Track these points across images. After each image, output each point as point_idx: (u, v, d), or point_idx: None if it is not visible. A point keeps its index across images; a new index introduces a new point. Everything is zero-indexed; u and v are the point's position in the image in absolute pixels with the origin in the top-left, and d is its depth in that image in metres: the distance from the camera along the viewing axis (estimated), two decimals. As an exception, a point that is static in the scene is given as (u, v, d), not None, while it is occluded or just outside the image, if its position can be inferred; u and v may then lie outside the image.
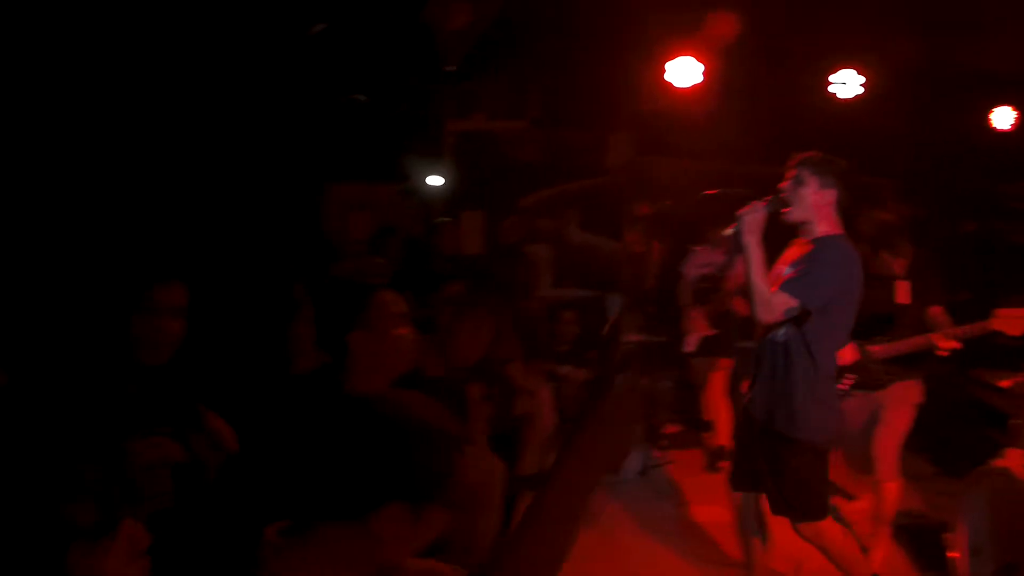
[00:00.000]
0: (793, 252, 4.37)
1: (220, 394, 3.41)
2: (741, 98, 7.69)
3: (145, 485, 2.85)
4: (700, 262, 7.42)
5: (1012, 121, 7.44)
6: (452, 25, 6.65)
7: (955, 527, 4.95)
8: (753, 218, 4.17)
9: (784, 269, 4.32)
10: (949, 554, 4.96)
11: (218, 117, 7.04)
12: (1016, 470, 4.67)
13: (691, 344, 7.26)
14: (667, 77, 7.49)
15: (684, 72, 7.43)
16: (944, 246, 8.01)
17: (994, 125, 7.51)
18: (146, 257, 5.48)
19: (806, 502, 4.31)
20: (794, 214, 4.24)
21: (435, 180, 8.66)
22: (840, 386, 5.41)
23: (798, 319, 4.16)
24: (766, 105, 7.76)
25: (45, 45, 5.25)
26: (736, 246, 4.26)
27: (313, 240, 7.95)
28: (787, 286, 4.13)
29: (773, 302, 4.10)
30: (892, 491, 5.36)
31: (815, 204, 4.19)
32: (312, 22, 6.85)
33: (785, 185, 4.27)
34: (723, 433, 7.09)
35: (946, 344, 5.08)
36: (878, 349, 5.36)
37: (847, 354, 5.41)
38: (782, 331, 4.26)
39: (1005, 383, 5.33)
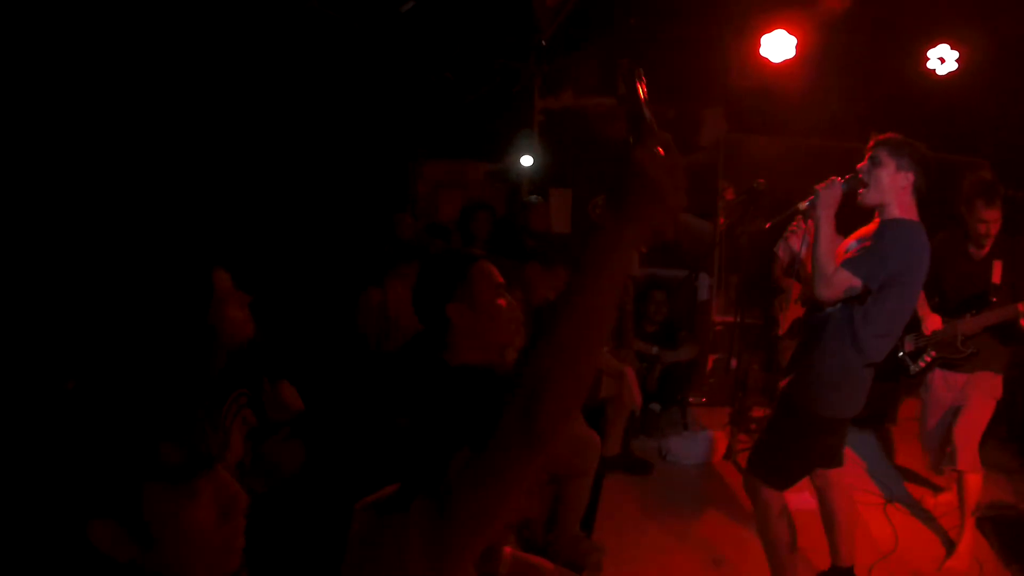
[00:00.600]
0: (863, 231, 4.27)
1: (305, 369, 3.49)
2: (836, 73, 7.51)
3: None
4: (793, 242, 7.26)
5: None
6: (548, 1, 6.62)
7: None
8: (829, 193, 4.13)
9: (850, 245, 4.24)
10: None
11: (308, 97, 7.14)
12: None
13: (783, 326, 7.15)
14: (761, 52, 7.33)
15: (777, 47, 7.26)
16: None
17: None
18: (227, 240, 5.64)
19: (777, 464, 4.35)
20: (869, 195, 4.14)
21: (524, 158, 8.63)
22: (922, 363, 5.39)
23: (852, 298, 4.07)
24: (861, 81, 7.55)
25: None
26: (809, 219, 4.22)
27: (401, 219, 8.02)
28: (849, 263, 4.04)
29: (835, 279, 4.01)
30: (974, 482, 5.29)
31: (891, 186, 4.07)
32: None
33: (862, 165, 4.17)
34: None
35: None
36: (963, 324, 5.26)
37: (933, 324, 5.35)
38: (833, 307, 4.18)
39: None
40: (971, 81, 7.14)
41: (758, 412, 7.48)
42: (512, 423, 1.67)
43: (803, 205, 4.27)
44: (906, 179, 4.06)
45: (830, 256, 4.09)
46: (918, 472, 6.64)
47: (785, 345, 7.32)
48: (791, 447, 4.31)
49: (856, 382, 4.19)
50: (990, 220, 5.21)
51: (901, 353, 5.55)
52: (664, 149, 1.59)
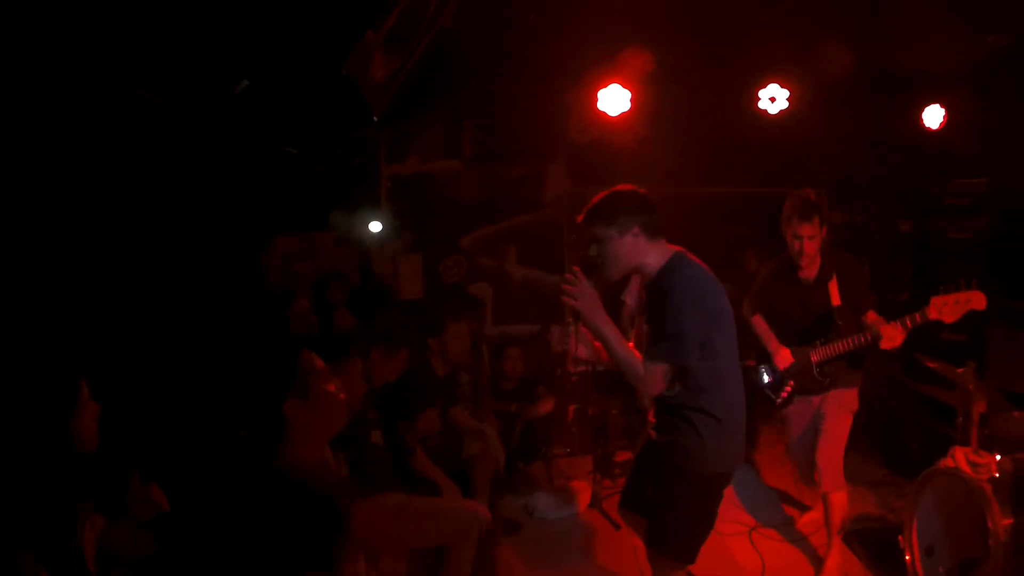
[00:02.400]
0: (645, 301, 3.97)
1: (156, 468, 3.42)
2: (672, 121, 7.69)
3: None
4: (640, 288, 7.35)
5: (941, 120, 7.45)
6: (373, 77, 6.61)
7: (907, 529, 4.89)
8: (585, 301, 3.73)
9: (643, 327, 3.92)
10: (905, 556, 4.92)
11: (151, 187, 6.98)
12: (963, 468, 4.62)
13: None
14: (598, 106, 7.47)
15: (613, 101, 7.40)
16: (882, 248, 8.06)
17: (925, 124, 7.49)
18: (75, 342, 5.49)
19: (680, 541, 3.97)
20: (614, 273, 3.85)
21: (374, 225, 8.58)
22: (783, 394, 5.41)
23: (680, 374, 3.74)
24: (697, 127, 7.76)
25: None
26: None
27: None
28: (655, 355, 3.66)
29: (648, 377, 3.67)
30: (839, 500, 5.31)
31: (628, 251, 3.78)
32: (234, 81, 6.77)
33: (589, 251, 3.86)
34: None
35: (889, 343, 4.99)
36: (815, 353, 5.31)
37: (784, 360, 5.39)
38: (674, 389, 3.82)
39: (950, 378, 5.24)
40: (803, 117, 7.39)
41: (621, 456, 7.45)
42: None
43: (570, 320, 4.02)
44: (633, 235, 3.76)
45: (631, 357, 3.73)
46: (783, 493, 6.71)
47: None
48: (694, 516, 3.96)
49: (726, 436, 3.86)
50: (804, 235, 5.19)
51: (764, 382, 5.60)
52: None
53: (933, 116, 7.46)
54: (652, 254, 3.79)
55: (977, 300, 4.84)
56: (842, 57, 6.79)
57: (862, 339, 5.14)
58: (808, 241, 5.21)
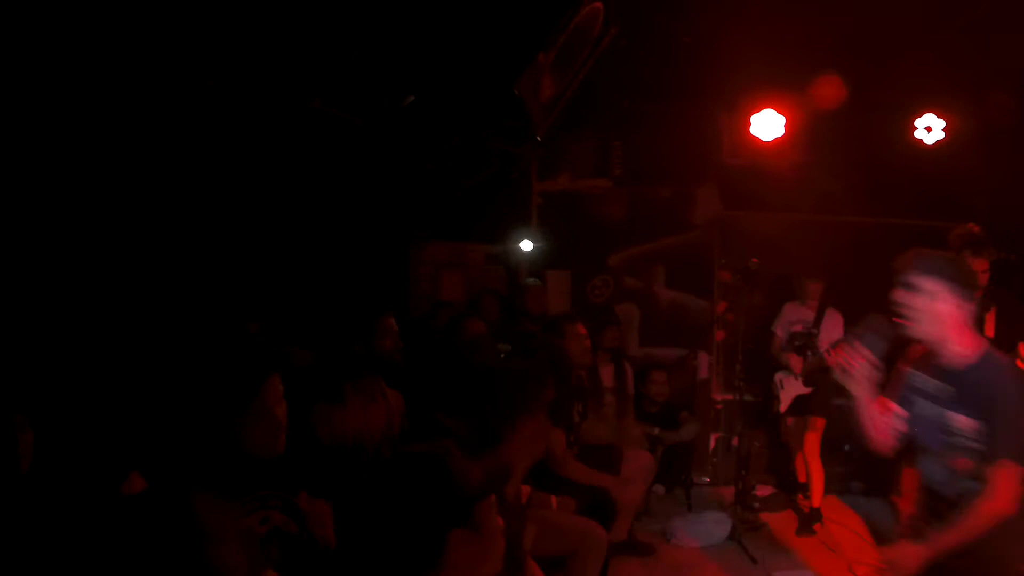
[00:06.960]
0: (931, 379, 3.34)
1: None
2: (826, 148, 7.60)
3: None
4: (791, 319, 7.27)
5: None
6: (541, 97, 6.72)
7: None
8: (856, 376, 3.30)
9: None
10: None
11: (317, 186, 7.27)
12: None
13: (784, 403, 7.11)
14: (752, 131, 7.44)
15: (767, 126, 7.37)
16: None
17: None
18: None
19: None
20: (925, 330, 3.23)
21: (524, 242, 8.70)
22: None
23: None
24: (851, 154, 7.64)
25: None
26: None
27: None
28: (1001, 450, 3.07)
29: (997, 480, 3.05)
30: None
31: (949, 320, 3.19)
32: (402, 95, 7.01)
33: (899, 295, 3.25)
34: (817, 495, 6.94)
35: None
36: None
37: None
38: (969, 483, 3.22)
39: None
40: (958, 148, 7.23)
41: (762, 491, 7.41)
42: None
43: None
44: (968, 310, 3.22)
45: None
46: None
47: (788, 422, 7.28)
48: None
49: None
50: (978, 270, 5.19)
51: None
52: None
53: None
54: (968, 336, 3.24)
55: None
56: (999, 91, 6.61)
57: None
58: (981, 275, 5.25)
